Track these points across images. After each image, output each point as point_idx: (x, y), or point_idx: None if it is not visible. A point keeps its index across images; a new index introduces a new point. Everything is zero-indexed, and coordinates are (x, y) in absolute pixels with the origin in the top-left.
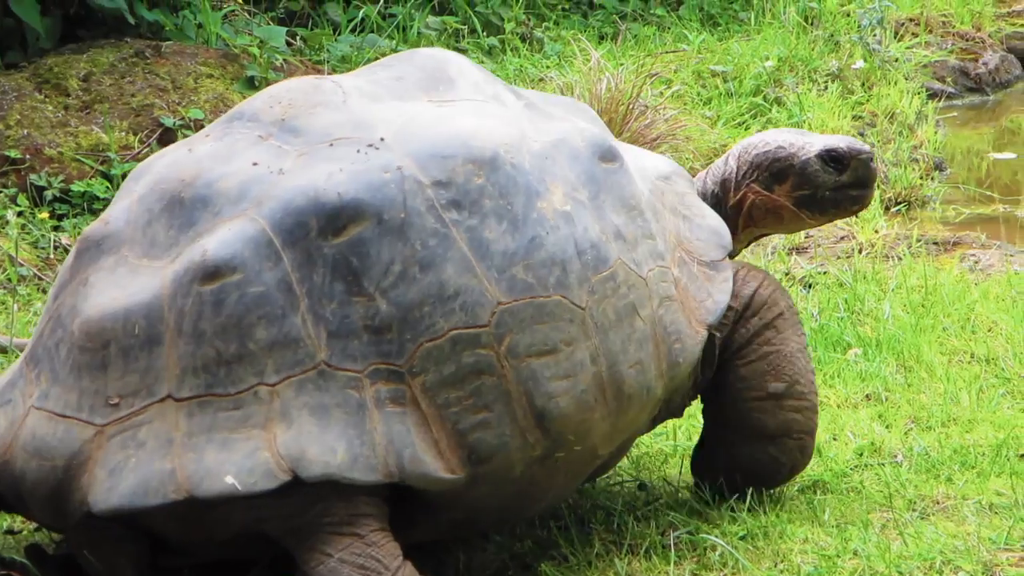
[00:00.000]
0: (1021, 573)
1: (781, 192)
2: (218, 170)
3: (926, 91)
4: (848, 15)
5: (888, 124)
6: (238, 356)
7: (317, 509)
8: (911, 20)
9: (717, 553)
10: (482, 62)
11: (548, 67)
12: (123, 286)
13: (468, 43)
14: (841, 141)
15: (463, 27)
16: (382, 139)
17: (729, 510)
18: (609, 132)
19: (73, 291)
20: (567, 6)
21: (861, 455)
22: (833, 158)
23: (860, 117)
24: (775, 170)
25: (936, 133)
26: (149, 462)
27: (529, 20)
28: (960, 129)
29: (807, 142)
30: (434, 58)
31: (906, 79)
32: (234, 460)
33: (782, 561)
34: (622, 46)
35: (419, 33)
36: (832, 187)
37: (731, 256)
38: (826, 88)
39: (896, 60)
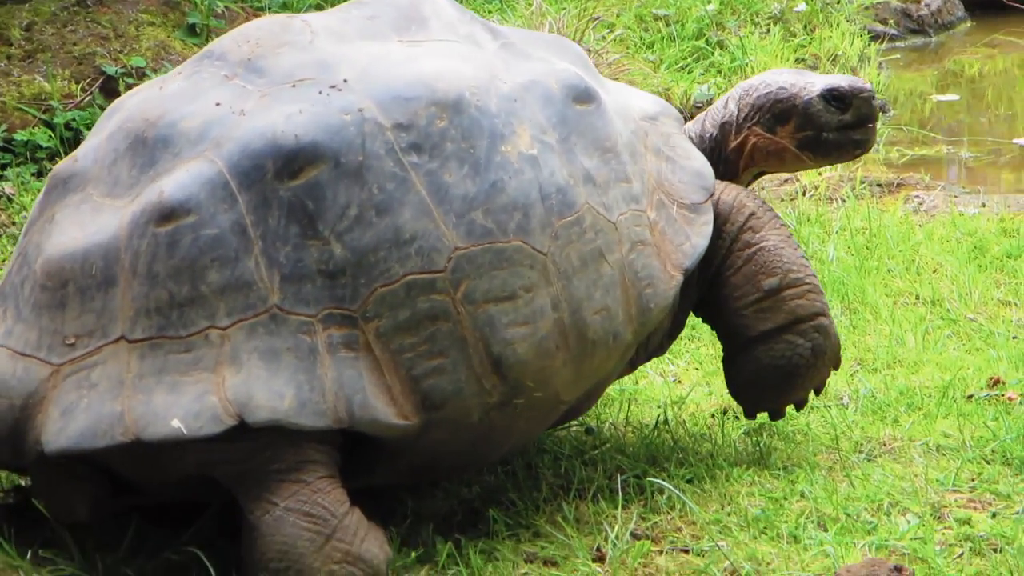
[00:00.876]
0: (968, 514)
1: (784, 134)
2: (181, 110)
3: (868, 33)
4: None
5: (831, 67)
6: (190, 299)
7: (265, 455)
8: None
9: (664, 496)
10: None
11: (491, 11)
12: (84, 225)
13: None
14: (842, 80)
15: None
16: (345, 80)
17: (677, 452)
18: (592, 71)
19: (40, 228)
20: None
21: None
22: (836, 97)
23: (802, 60)
24: (777, 111)
25: (879, 75)
26: (100, 403)
27: None
28: (903, 71)
29: (808, 82)
30: None
31: (848, 21)
32: (182, 403)
33: (729, 504)
34: None
35: None
36: (836, 127)
37: None
38: (768, 31)
39: (838, 2)
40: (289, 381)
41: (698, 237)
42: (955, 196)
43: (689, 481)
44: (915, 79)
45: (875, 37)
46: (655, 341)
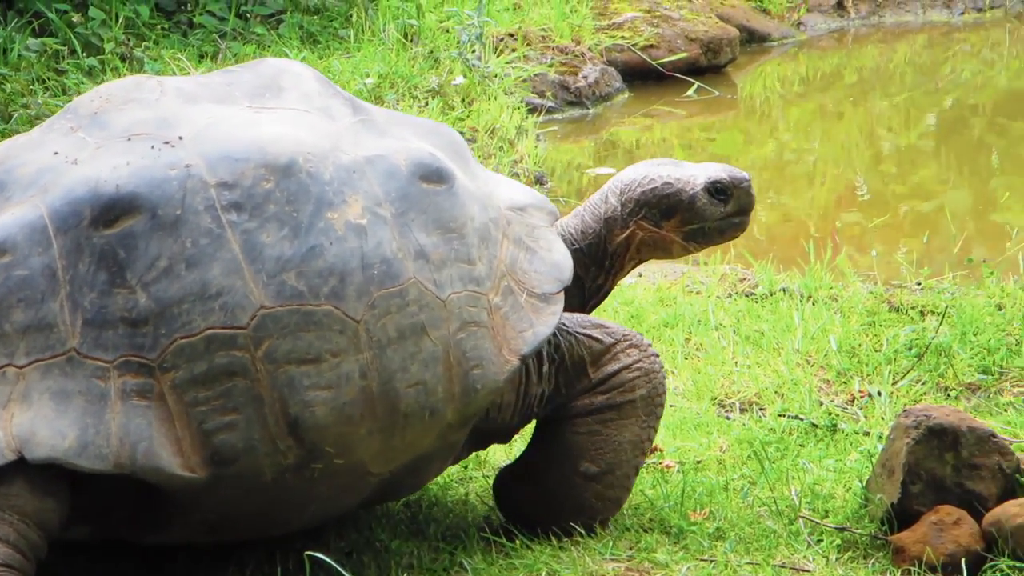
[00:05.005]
0: None
1: (670, 228)
2: (23, 157)
3: (526, 105)
4: (447, 31)
5: (489, 139)
6: None
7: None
8: (510, 35)
9: (324, 571)
10: (82, 83)
11: None
12: None
13: (68, 64)
14: (722, 171)
15: (63, 48)
16: (180, 137)
17: (335, 524)
18: (462, 157)
19: None
20: (167, 26)
21: (466, 467)
22: (719, 190)
23: (461, 133)
24: (664, 207)
25: (536, 147)
26: None
27: (129, 40)
28: (561, 143)
29: (691, 175)
30: (276, 67)
31: (506, 94)
32: None
33: None
34: (222, 64)
35: (20, 55)
36: (718, 218)
37: (612, 285)
38: (427, 104)
39: (496, 75)
40: (75, 423)
41: (542, 326)
42: None
43: (348, 554)
44: (573, 150)
45: (533, 109)
46: (498, 424)
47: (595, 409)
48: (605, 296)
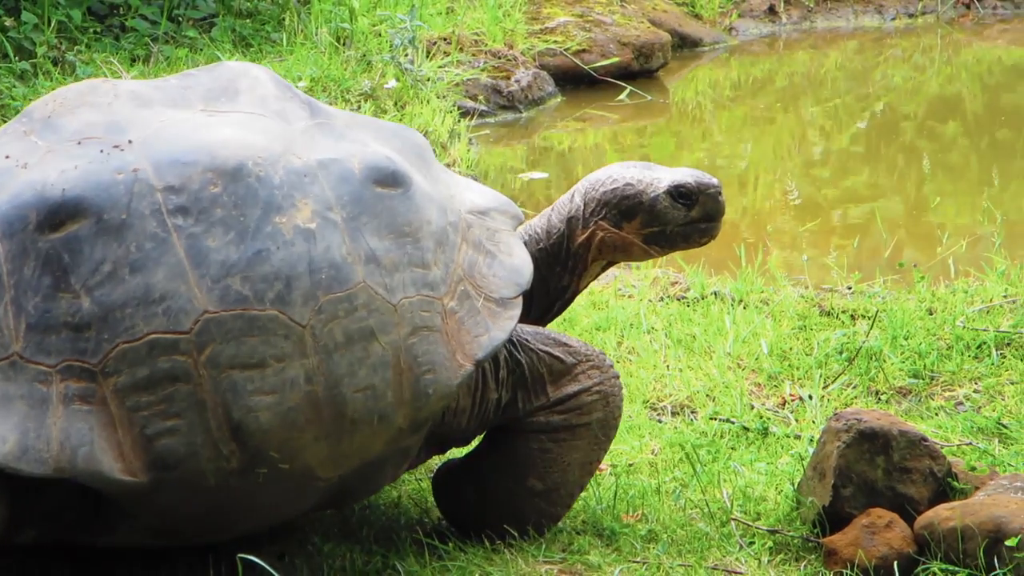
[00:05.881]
0: None
1: (630, 229)
2: None
3: (459, 109)
4: (380, 35)
5: None
6: None
7: None
8: (443, 39)
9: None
10: (14, 87)
11: None
12: None
13: (0, 68)
14: (689, 176)
15: None
16: (130, 141)
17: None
18: (425, 161)
19: None
20: (99, 29)
21: None
22: (682, 194)
23: None
24: (624, 208)
25: (469, 151)
26: None
27: (61, 44)
28: (493, 146)
29: (655, 178)
30: (232, 71)
31: (439, 98)
32: None
33: None
34: (155, 68)
35: None
36: (682, 223)
37: (580, 286)
38: (359, 108)
39: (428, 79)
40: (16, 427)
41: (498, 331)
42: None
43: (280, 557)
44: (505, 154)
45: (465, 113)
46: (454, 429)
47: (550, 428)
48: (572, 297)
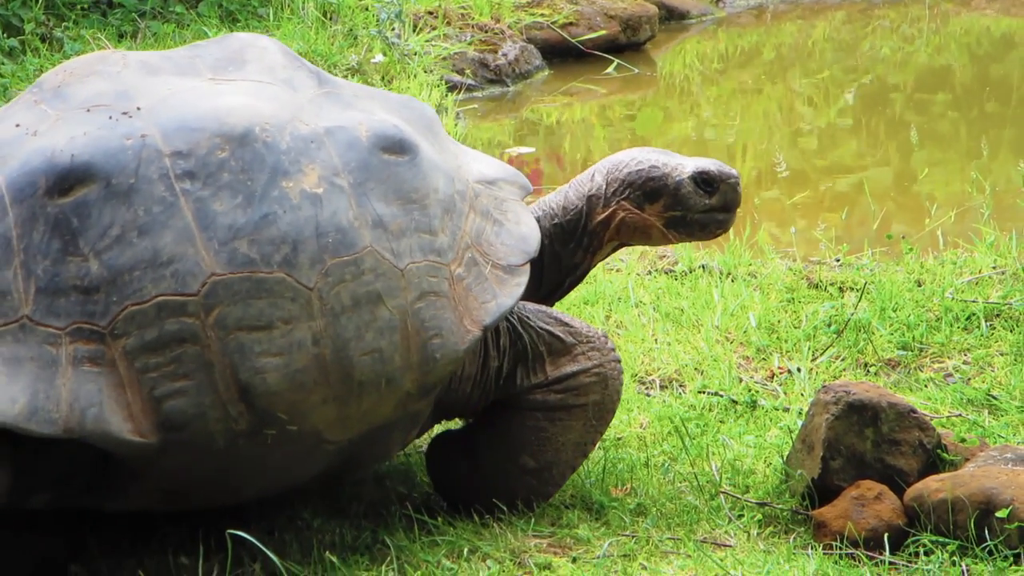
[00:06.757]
0: (548, 559)
1: (652, 212)
2: None
3: (446, 84)
4: (367, 9)
5: None
6: None
7: None
8: (430, 13)
9: (246, 548)
10: (3, 64)
11: None
12: None
13: None
14: (711, 164)
15: None
16: (138, 108)
17: (256, 503)
18: (433, 131)
19: None
20: (86, 5)
21: None
22: (705, 180)
23: None
24: (648, 189)
25: (456, 125)
26: None
27: (49, 20)
28: (481, 121)
29: (679, 163)
30: (240, 41)
31: (426, 72)
32: None
33: (308, 555)
34: (142, 43)
35: None
36: (702, 209)
37: (591, 264)
38: None
39: (415, 53)
40: (26, 388)
41: (505, 297)
42: None
43: (270, 533)
44: (493, 129)
45: (452, 87)
46: (460, 398)
47: (547, 407)
48: (584, 274)
